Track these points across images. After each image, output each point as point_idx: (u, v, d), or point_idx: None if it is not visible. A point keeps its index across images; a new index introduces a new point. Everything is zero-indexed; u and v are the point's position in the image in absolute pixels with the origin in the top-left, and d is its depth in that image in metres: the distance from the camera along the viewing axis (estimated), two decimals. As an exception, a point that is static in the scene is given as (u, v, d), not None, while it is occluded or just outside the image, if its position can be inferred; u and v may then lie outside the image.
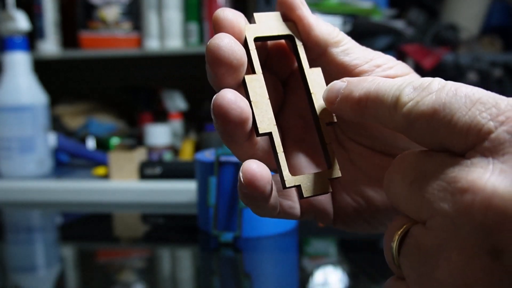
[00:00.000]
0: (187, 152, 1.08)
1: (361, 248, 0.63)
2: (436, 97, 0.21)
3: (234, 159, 0.61)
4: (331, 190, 0.27)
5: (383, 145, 0.29)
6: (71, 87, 1.45)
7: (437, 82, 0.22)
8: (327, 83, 0.27)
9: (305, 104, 0.28)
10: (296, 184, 0.26)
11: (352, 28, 1.09)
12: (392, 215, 0.29)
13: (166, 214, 0.82)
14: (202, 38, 1.19)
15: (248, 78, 0.25)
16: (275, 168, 0.26)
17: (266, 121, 0.25)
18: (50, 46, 1.22)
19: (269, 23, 0.27)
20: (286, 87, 0.30)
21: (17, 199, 0.89)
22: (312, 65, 0.28)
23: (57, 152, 1.04)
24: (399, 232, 0.22)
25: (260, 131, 0.25)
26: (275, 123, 0.26)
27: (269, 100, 0.26)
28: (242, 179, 0.24)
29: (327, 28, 0.28)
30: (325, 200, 0.29)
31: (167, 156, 1.06)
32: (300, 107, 0.29)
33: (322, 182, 0.26)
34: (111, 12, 1.20)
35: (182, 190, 0.84)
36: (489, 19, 1.23)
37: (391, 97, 0.22)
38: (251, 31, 0.26)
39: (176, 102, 1.21)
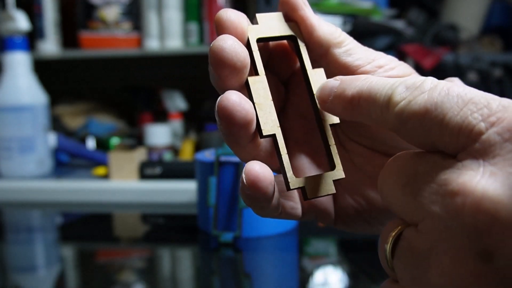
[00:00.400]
0: (187, 152, 1.08)
1: (361, 248, 0.63)
2: (428, 97, 0.21)
3: (234, 159, 0.61)
4: (335, 191, 0.27)
5: (383, 146, 0.29)
6: (71, 87, 1.45)
7: (429, 82, 0.21)
8: None
9: (306, 104, 0.28)
10: (301, 185, 0.26)
11: (352, 28, 1.09)
12: (392, 216, 0.29)
13: (166, 214, 0.82)
14: (202, 38, 1.18)
15: (251, 80, 0.25)
16: (277, 169, 0.26)
17: (270, 123, 0.25)
18: (50, 46, 1.22)
19: (271, 24, 0.27)
20: (288, 88, 0.30)
21: (17, 199, 0.89)
22: (314, 65, 0.28)
23: (57, 152, 1.04)
24: (393, 234, 0.22)
25: (264, 133, 0.25)
26: (278, 125, 0.25)
27: (272, 102, 0.26)
28: (245, 180, 0.24)
29: (329, 29, 0.27)
30: (326, 200, 0.29)
31: (167, 156, 1.06)
32: (302, 107, 0.29)
33: (326, 183, 0.26)
34: (111, 12, 1.19)
35: (182, 190, 0.84)
36: (489, 19, 1.23)
37: (384, 96, 0.22)
38: (254, 32, 0.26)
39: (176, 102, 1.21)
